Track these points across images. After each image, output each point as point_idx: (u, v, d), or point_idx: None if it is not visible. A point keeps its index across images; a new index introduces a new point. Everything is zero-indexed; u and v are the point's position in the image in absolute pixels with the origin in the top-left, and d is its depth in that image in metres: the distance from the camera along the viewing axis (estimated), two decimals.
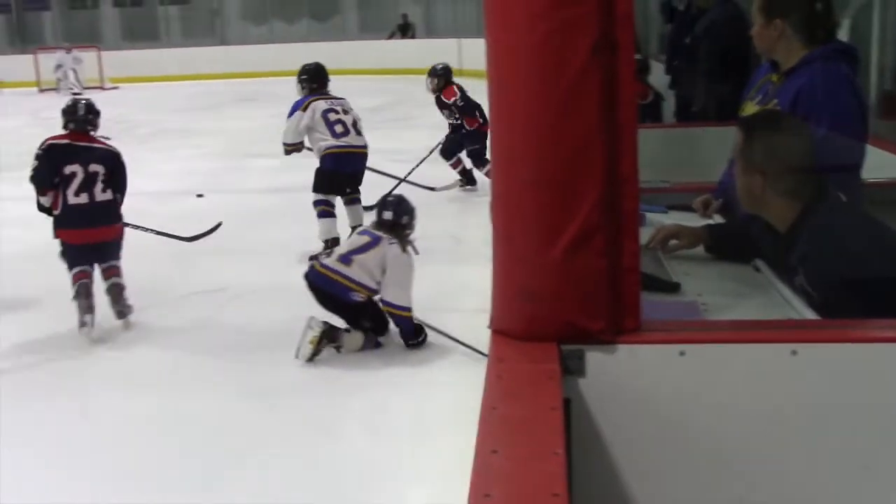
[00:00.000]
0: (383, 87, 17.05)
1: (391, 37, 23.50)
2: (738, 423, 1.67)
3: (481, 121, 8.15)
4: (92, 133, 5.42)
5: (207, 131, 13.16)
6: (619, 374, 1.66)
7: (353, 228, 6.39)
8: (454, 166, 8.56)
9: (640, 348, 1.66)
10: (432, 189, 8.02)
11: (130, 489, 3.56)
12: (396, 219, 4.78)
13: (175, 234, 6.32)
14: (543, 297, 1.64)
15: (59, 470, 3.71)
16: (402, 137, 9.75)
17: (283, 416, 4.12)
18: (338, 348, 4.62)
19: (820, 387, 1.64)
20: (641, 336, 1.67)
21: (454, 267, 5.85)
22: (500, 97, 1.66)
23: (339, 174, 6.57)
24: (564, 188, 1.59)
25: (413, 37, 23.25)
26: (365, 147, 6.68)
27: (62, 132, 5.37)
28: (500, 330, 1.72)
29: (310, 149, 6.75)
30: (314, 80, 6.77)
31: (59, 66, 20.19)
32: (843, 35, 4.47)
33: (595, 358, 1.65)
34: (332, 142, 6.49)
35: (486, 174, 8.29)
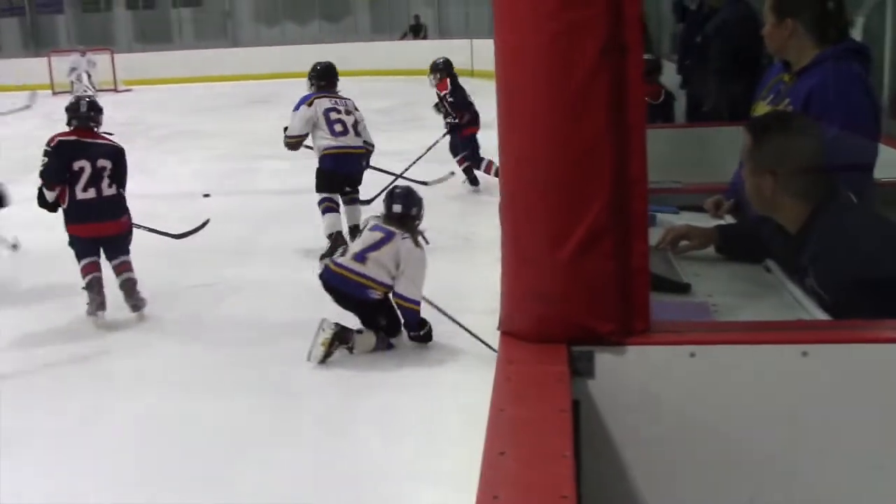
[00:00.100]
0: (395, 87, 17.06)
1: (403, 38, 23.51)
2: (748, 424, 1.66)
3: (468, 118, 8.34)
4: (95, 129, 5.58)
5: (219, 133, 13.19)
6: (628, 376, 1.65)
7: (352, 228, 6.45)
8: (460, 163, 8.63)
9: (650, 349, 1.66)
10: (425, 183, 8.03)
11: (136, 489, 3.59)
12: (406, 211, 4.79)
13: (165, 231, 6.40)
14: (553, 298, 1.64)
15: (66, 471, 3.74)
16: (413, 138, 9.73)
17: (293, 417, 4.13)
18: (350, 349, 4.63)
19: (831, 388, 1.64)
20: (651, 337, 1.66)
21: (465, 267, 5.86)
22: (508, 99, 1.65)
23: (337, 174, 6.69)
24: (573, 190, 1.59)
25: (425, 38, 23.25)
26: (362, 147, 6.78)
27: (66, 129, 5.53)
28: (510, 331, 1.72)
29: (309, 147, 6.87)
30: (322, 78, 6.88)
31: (72, 70, 20.28)
32: (856, 34, 4.45)
33: (604, 359, 1.65)
34: (329, 142, 6.60)
35: (486, 171, 8.46)
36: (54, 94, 20.35)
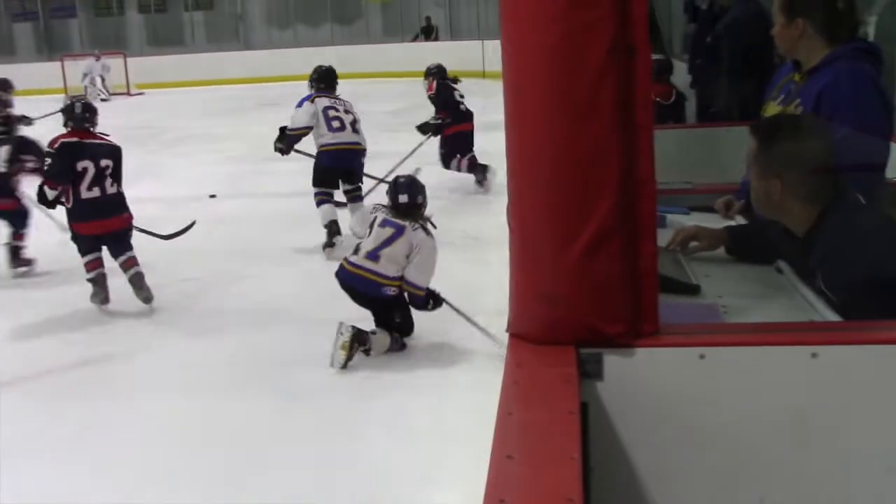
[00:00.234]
0: (407, 89, 17.00)
1: (415, 40, 23.54)
2: (758, 426, 1.65)
3: (449, 120, 8.49)
4: (92, 130, 5.77)
5: (231, 136, 13.23)
6: (637, 378, 1.64)
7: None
8: (459, 168, 8.73)
9: (659, 351, 1.65)
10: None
11: (143, 491, 3.60)
12: (412, 200, 4.79)
13: (153, 231, 6.45)
14: (560, 300, 1.63)
15: (71, 473, 3.76)
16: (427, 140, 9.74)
17: (304, 418, 4.14)
18: (367, 351, 4.62)
19: (841, 389, 1.63)
20: (660, 339, 1.65)
21: (475, 267, 5.86)
22: (515, 100, 1.65)
23: (335, 170, 6.99)
24: (580, 190, 1.58)
25: (436, 39, 23.29)
26: (359, 144, 7.03)
27: (64, 131, 5.71)
28: (518, 333, 1.72)
29: (299, 151, 7.20)
30: (322, 80, 7.22)
31: (86, 74, 20.39)
32: (869, 34, 4.42)
33: (613, 361, 1.64)
34: (327, 138, 6.88)
35: (457, 168, 8.66)
36: (68, 97, 20.49)
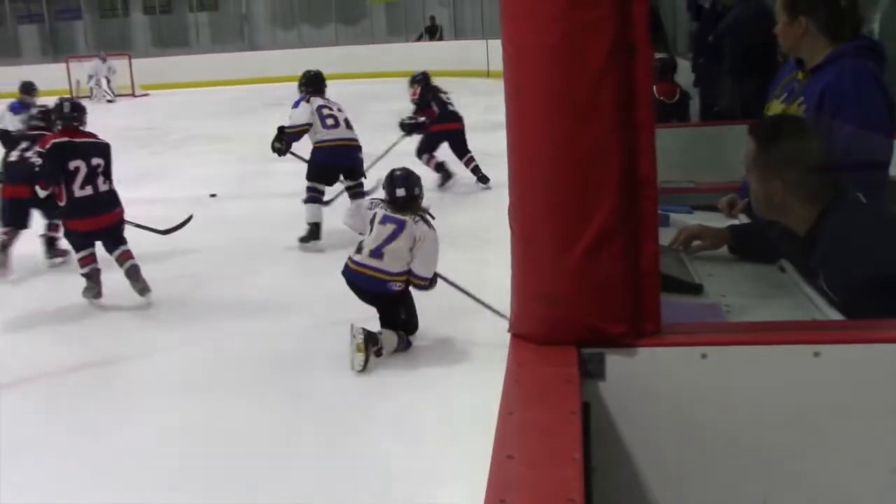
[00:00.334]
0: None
1: (419, 39, 23.55)
2: (760, 426, 1.65)
3: (427, 120, 8.61)
4: (81, 129, 5.92)
5: (236, 136, 13.24)
6: (639, 378, 1.64)
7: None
8: (427, 163, 8.79)
9: (661, 351, 1.65)
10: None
11: (150, 489, 3.61)
12: (409, 193, 4.79)
13: (150, 226, 6.60)
14: (562, 300, 1.63)
15: (75, 474, 3.77)
16: None
17: (309, 418, 4.15)
18: (378, 352, 4.61)
19: (843, 388, 1.62)
20: (662, 339, 1.65)
21: (480, 267, 5.84)
22: (516, 100, 1.65)
23: (332, 167, 7.16)
24: (582, 191, 1.58)
25: (441, 39, 23.30)
26: (355, 140, 7.22)
27: (55, 132, 5.89)
28: (520, 333, 1.72)
29: (294, 153, 7.38)
30: (311, 84, 7.43)
31: (91, 76, 20.44)
32: (874, 31, 4.41)
33: (615, 361, 1.64)
34: (322, 135, 7.06)
35: (426, 163, 8.71)
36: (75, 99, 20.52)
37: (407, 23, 25.11)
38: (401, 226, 4.68)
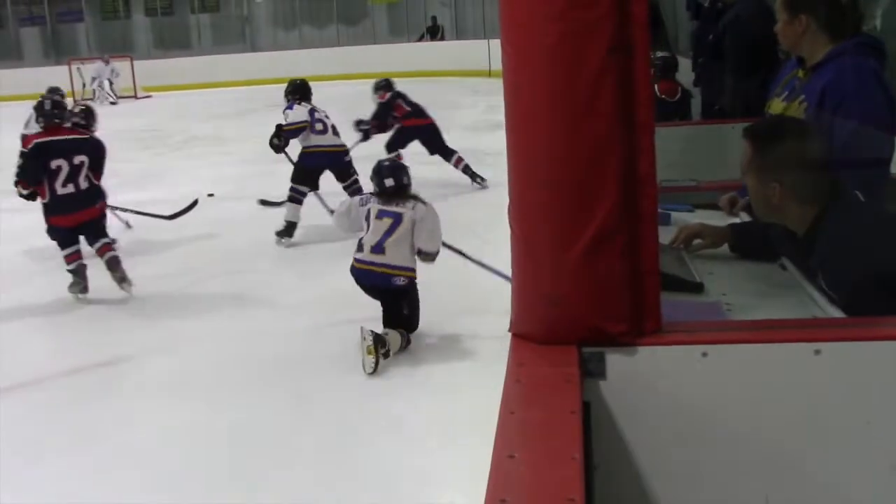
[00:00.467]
0: (413, 89, 16.96)
1: (420, 39, 23.57)
2: (762, 424, 1.65)
3: (376, 130, 8.79)
4: (64, 126, 6.04)
5: (238, 138, 13.26)
6: (640, 376, 1.64)
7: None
8: (457, 163, 8.89)
9: (662, 350, 1.65)
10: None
11: (151, 490, 3.61)
12: (398, 182, 4.80)
13: (157, 213, 6.90)
14: (562, 299, 1.63)
15: (77, 476, 3.77)
16: None
17: (310, 419, 4.15)
18: (386, 354, 4.62)
19: (845, 386, 1.62)
20: (663, 337, 1.65)
21: (480, 270, 5.85)
22: (515, 100, 1.65)
23: (317, 170, 7.47)
24: (581, 190, 1.58)
25: (442, 39, 23.31)
26: (343, 146, 7.58)
27: (39, 130, 5.99)
28: (521, 333, 1.72)
29: (291, 159, 7.59)
30: (297, 92, 7.71)
31: (94, 78, 20.47)
32: (877, 27, 4.41)
33: (616, 360, 1.64)
34: (311, 140, 7.40)
35: (461, 170, 8.84)
36: (75, 101, 20.55)
37: (408, 23, 25.11)
38: (398, 218, 4.70)
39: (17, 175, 5.92)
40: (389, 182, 4.77)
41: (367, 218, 4.76)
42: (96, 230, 6.04)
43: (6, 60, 24.28)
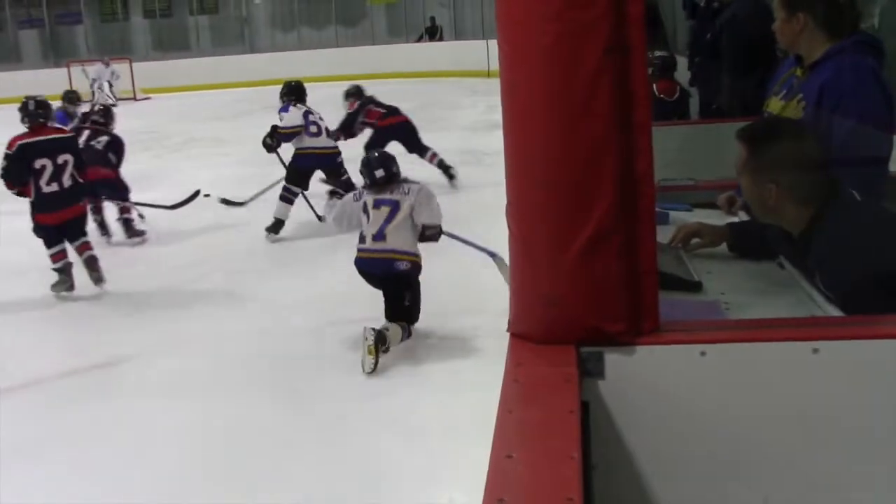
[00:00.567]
0: (412, 89, 17.07)
1: (419, 40, 23.56)
2: (760, 423, 1.65)
3: (343, 139, 8.74)
4: (48, 125, 6.22)
5: (237, 139, 13.25)
6: (638, 376, 1.64)
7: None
8: (431, 159, 9.00)
9: (660, 349, 1.65)
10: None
11: (151, 490, 3.62)
12: (388, 172, 4.87)
13: (157, 203, 7.26)
14: (560, 299, 1.63)
15: (78, 476, 3.77)
16: (432, 139, 9.74)
17: (308, 417, 4.15)
18: (386, 350, 4.63)
19: (843, 385, 1.62)
20: (661, 337, 1.65)
21: (482, 268, 5.85)
22: (512, 100, 1.65)
23: (311, 171, 7.70)
24: (579, 190, 1.58)
25: (441, 39, 23.31)
26: (335, 148, 7.85)
27: (24, 131, 6.12)
28: (519, 333, 1.72)
29: (283, 161, 7.75)
30: (293, 93, 7.91)
31: (94, 80, 20.46)
32: (875, 25, 4.41)
33: (614, 359, 1.64)
34: (305, 142, 7.63)
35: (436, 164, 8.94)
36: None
37: (407, 24, 25.11)
38: (395, 205, 4.76)
39: (2, 176, 6.06)
40: (380, 173, 4.85)
41: (365, 210, 4.80)
42: (77, 229, 6.20)
43: (5, 63, 24.29)
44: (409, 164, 8.53)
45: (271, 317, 5.55)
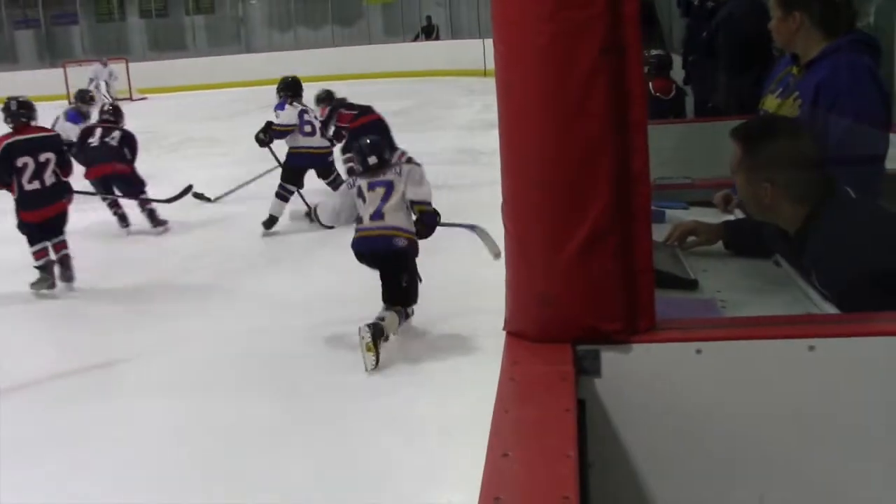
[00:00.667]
0: (409, 88, 17.09)
1: (416, 39, 23.56)
2: (756, 421, 1.65)
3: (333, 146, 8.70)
4: (31, 124, 6.33)
5: (233, 139, 13.24)
6: (634, 374, 1.64)
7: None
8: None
9: (656, 347, 1.65)
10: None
11: (151, 490, 3.62)
12: (381, 156, 4.95)
13: (154, 198, 7.54)
14: (557, 298, 1.63)
15: (78, 476, 3.77)
16: (429, 139, 9.77)
17: (309, 417, 4.16)
18: (385, 338, 4.65)
19: (839, 382, 1.62)
20: (657, 335, 1.65)
21: (478, 268, 5.85)
22: (508, 100, 1.65)
23: (304, 170, 7.85)
24: (575, 189, 1.58)
25: (437, 39, 23.30)
26: (328, 147, 8.02)
27: (8, 131, 6.24)
28: (515, 331, 1.72)
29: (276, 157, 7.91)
30: (289, 89, 7.96)
31: (91, 80, 20.43)
32: (871, 24, 4.42)
33: (610, 358, 1.64)
34: (298, 141, 7.76)
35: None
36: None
37: (403, 23, 25.11)
38: (389, 185, 4.82)
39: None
40: (373, 160, 4.92)
41: (360, 195, 4.86)
42: (57, 227, 6.28)
43: (1, 63, 24.24)
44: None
45: (269, 316, 5.55)
